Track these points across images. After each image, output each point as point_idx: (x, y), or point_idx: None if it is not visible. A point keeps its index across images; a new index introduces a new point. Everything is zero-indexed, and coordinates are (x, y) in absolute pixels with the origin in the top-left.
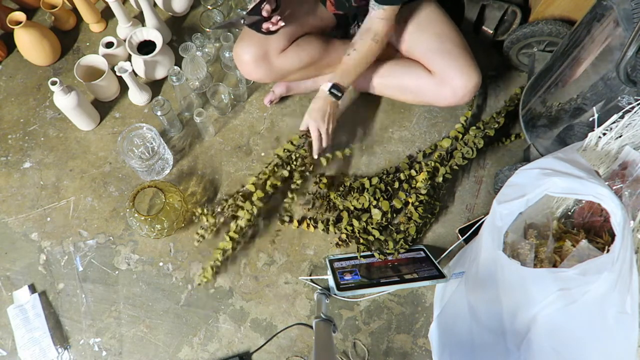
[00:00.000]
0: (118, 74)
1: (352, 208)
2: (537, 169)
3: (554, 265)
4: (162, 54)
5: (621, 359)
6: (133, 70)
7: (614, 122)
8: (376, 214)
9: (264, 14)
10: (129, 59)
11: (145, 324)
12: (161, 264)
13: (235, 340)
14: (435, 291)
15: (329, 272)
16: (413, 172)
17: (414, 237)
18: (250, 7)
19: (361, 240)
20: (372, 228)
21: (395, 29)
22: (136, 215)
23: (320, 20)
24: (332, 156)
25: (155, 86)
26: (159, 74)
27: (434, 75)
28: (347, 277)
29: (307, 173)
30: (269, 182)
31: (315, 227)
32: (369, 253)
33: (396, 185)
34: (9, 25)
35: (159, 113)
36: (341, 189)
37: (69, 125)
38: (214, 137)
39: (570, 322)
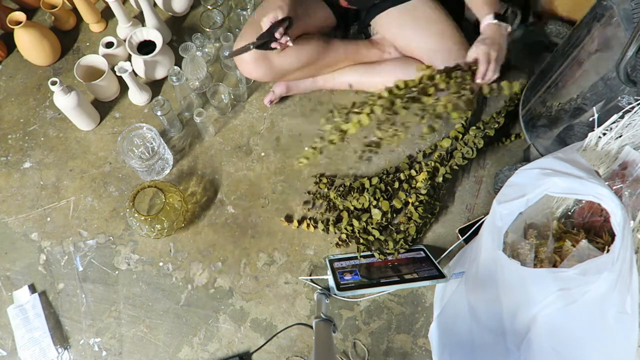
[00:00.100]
0: (118, 74)
1: (352, 208)
2: (537, 169)
3: (554, 265)
4: (162, 54)
5: (621, 359)
6: (133, 70)
7: (614, 122)
8: (376, 214)
9: (277, 36)
10: (129, 59)
11: (145, 324)
12: (161, 264)
13: (235, 340)
14: (435, 291)
15: (329, 272)
16: (413, 172)
17: (414, 237)
18: (264, 26)
19: (361, 240)
20: (372, 228)
21: (396, 27)
22: (136, 215)
23: (320, 20)
24: (497, 87)
25: (155, 86)
26: (159, 74)
27: None
28: (347, 277)
29: (465, 94)
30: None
31: (315, 227)
32: (369, 253)
33: (396, 185)
34: (9, 25)
35: (159, 113)
36: (341, 188)
37: (69, 125)
38: (214, 137)
39: (570, 322)
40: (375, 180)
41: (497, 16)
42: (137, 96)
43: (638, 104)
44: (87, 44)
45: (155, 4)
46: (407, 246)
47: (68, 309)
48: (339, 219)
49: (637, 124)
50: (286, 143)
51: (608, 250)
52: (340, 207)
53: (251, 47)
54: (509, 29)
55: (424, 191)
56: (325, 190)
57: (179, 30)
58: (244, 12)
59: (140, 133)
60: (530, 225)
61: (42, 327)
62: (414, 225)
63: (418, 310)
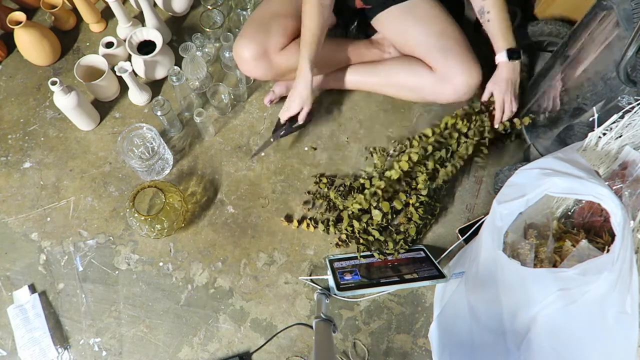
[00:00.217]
0: (118, 74)
1: (352, 209)
2: (537, 169)
3: (554, 265)
4: (162, 54)
5: (621, 359)
6: (133, 70)
7: (614, 122)
8: (377, 214)
9: (301, 121)
10: (129, 59)
11: (145, 324)
12: (161, 264)
13: (235, 340)
14: (435, 291)
15: (329, 272)
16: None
17: (414, 237)
18: (283, 119)
19: (361, 241)
20: (372, 229)
21: (397, 26)
22: (136, 215)
23: None
24: (509, 125)
25: (155, 86)
26: (159, 74)
27: (435, 73)
28: (347, 277)
29: (485, 133)
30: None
31: (315, 227)
32: (369, 253)
33: (397, 186)
34: (9, 25)
35: (159, 113)
36: (341, 188)
37: (69, 125)
38: (214, 137)
39: (570, 322)
40: (375, 181)
41: (511, 52)
42: (137, 96)
43: (638, 104)
44: (87, 44)
45: (155, 4)
46: (407, 246)
47: (68, 309)
48: (339, 219)
49: (637, 124)
50: (286, 143)
51: (608, 250)
52: (341, 207)
53: (272, 140)
54: (521, 60)
55: (424, 192)
56: (326, 190)
57: (179, 30)
58: (244, 12)
59: (140, 133)
60: (530, 225)
61: (42, 327)
62: (414, 226)
63: (418, 310)
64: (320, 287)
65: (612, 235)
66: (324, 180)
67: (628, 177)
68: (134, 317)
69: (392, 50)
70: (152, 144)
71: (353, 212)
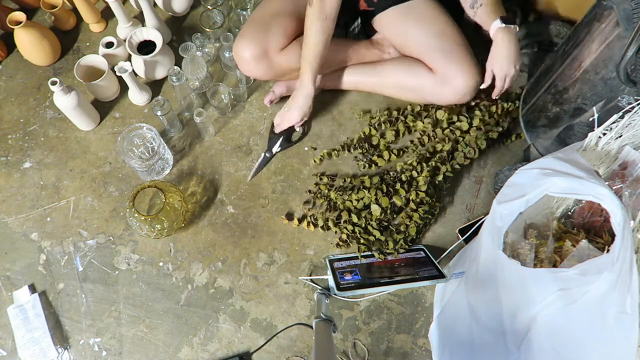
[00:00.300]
0: (118, 74)
1: (352, 207)
2: (537, 169)
3: (554, 265)
4: (162, 54)
5: (621, 359)
6: (133, 70)
7: (614, 122)
8: (375, 209)
9: (297, 128)
10: (129, 59)
11: (145, 324)
12: (161, 264)
13: (235, 340)
14: (435, 291)
15: (329, 272)
16: (414, 173)
17: (414, 237)
18: (278, 130)
19: (361, 240)
20: (373, 228)
21: (397, 26)
22: (136, 215)
23: None
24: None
25: (155, 86)
26: (159, 74)
27: (435, 74)
28: (347, 277)
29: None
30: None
31: (315, 226)
32: (369, 253)
33: (397, 185)
34: (9, 25)
35: (159, 113)
36: (342, 183)
37: (69, 125)
38: (214, 137)
39: (570, 322)
40: (376, 180)
41: (503, 19)
42: (137, 96)
43: (638, 104)
44: (87, 44)
45: (155, 4)
46: (407, 246)
47: (68, 309)
48: (339, 219)
49: (637, 124)
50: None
51: (608, 250)
52: (341, 207)
53: (267, 154)
54: (517, 28)
55: (423, 188)
56: (326, 190)
57: (179, 30)
58: (244, 12)
59: (140, 133)
60: (530, 225)
61: (42, 327)
62: (414, 226)
63: (418, 310)
64: (320, 287)
65: (612, 235)
66: (324, 180)
67: (628, 177)
68: (134, 317)
69: (392, 51)
70: (152, 144)
71: (353, 208)
